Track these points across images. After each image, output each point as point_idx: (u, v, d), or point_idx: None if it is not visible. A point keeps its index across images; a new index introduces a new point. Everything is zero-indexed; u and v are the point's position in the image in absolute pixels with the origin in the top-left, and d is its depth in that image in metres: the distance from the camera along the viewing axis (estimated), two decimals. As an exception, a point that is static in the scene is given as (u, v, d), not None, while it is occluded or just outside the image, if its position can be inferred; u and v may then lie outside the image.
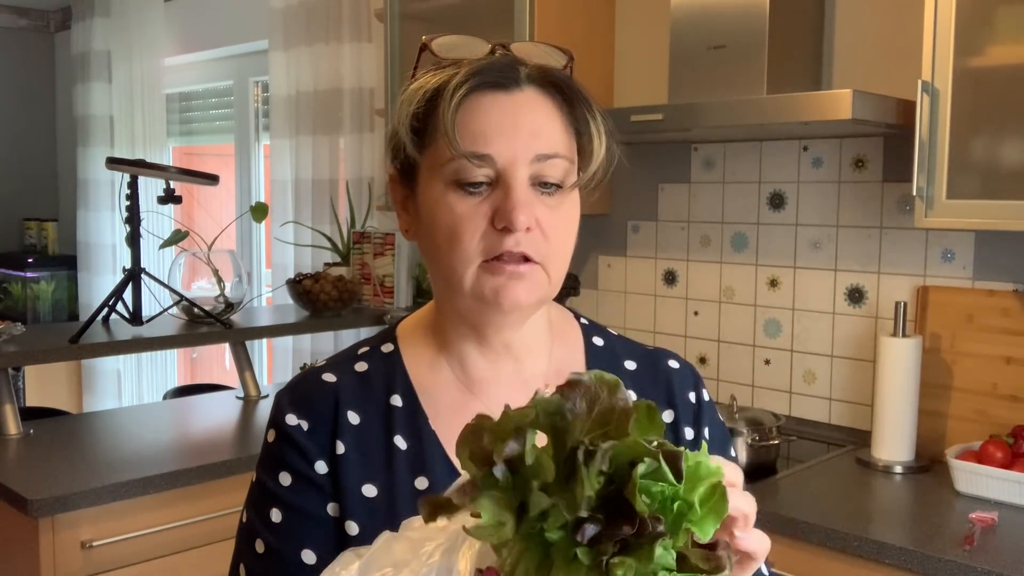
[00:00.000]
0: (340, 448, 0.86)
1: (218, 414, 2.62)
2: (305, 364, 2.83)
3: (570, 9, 2.57)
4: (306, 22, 3.39)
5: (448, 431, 0.89)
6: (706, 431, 0.98)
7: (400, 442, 0.88)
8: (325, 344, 3.37)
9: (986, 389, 2.04)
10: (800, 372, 2.39)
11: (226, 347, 2.92)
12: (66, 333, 2.44)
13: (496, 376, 0.92)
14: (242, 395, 2.72)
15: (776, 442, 2.08)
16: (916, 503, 1.86)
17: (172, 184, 2.65)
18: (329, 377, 0.89)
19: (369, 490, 0.86)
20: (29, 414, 2.67)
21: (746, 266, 2.49)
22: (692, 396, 1.00)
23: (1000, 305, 2.02)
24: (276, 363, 3.63)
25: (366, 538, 0.81)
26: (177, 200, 2.65)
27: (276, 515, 0.85)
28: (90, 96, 4.68)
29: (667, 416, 0.98)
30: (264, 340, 3.90)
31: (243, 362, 2.73)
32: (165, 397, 3.35)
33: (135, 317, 2.57)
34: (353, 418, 0.88)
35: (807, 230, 2.37)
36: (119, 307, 2.54)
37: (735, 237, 2.50)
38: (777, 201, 2.41)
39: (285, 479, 0.86)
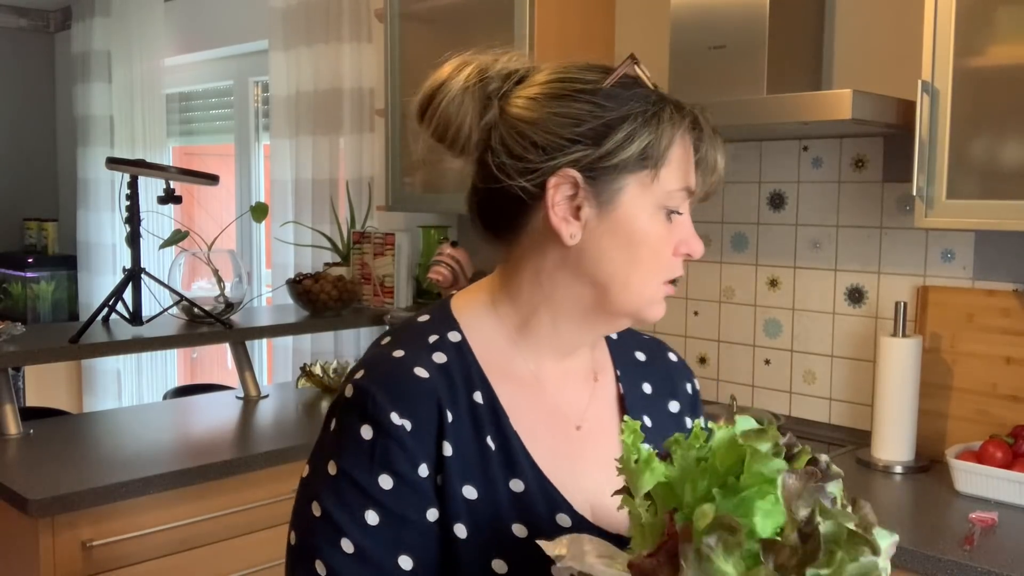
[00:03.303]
0: (447, 450, 0.86)
1: (218, 414, 2.62)
2: (305, 364, 2.83)
3: (570, 9, 2.57)
4: (306, 22, 3.39)
5: (528, 431, 0.91)
6: (701, 420, 1.06)
7: (490, 442, 0.89)
8: (325, 344, 3.37)
9: (986, 389, 2.04)
10: (800, 372, 2.39)
11: (226, 347, 2.92)
12: (66, 333, 2.44)
13: (558, 370, 0.96)
14: (242, 395, 2.72)
15: (776, 442, 2.07)
16: (916, 503, 1.86)
17: (172, 184, 2.65)
18: (422, 372, 0.87)
19: (470, 492, 0.86)
20: (29, 414, 2.67)
21: (746, 266, 2.49)
22: (689, 388, 1.09)
23: (1000, 305, 2.02)
24: (276, 363, 3.63)
25: (473, 542, 0.85)
26: (177, 200, 2.65)
27: (372, 517, 0.83)
28: (90, 96, 4.69)
29: (673, 407, 1.06)
30: (264, 340, 3.90)
31: (243, 362, 2.73)
32: (165, 397, 3.35)
33: (135, 317, 2.57)
34: (449, 417, 0.87)
35: (807, 230, 2.37)
36: (119, 307, 2.54)
37: (735, 237, 2.51)
38: (777, 201, 2.42)
39: (386, 482, 0.83)
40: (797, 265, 2.39)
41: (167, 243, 2.87)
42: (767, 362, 2.46)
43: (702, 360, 2.59)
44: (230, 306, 2.77)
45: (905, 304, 2.05)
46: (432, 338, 0.91)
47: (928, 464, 2.04)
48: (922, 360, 2.05)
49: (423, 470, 0.84)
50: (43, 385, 4.54)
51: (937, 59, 1.80)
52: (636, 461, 0.70)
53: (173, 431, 2.47)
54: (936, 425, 2.10)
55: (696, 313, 2.60)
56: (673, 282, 0.93)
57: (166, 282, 2.67)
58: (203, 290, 2.79)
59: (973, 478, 1.83)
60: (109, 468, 2.04)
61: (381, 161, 3.07)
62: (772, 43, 2.10)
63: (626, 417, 0.81)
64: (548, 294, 0.92)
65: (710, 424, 0.73)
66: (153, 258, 3.99)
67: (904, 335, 2.04)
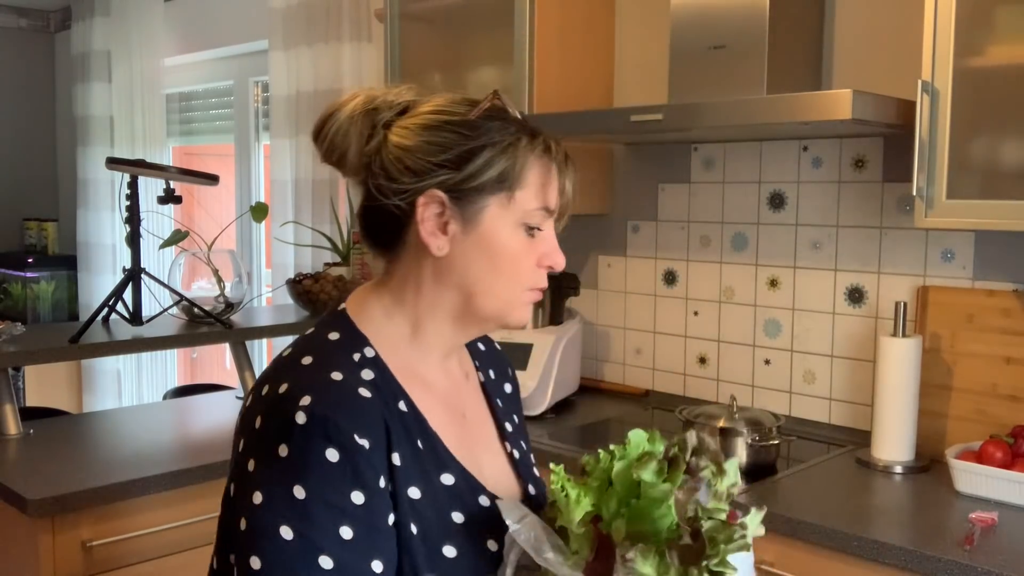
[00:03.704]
0: (396, 459, 0.95)
1: (218, 414, 2.62)
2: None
3: (570, 9, 2.57)
4: (306, 22, 3.39)
5: (440, 428, 1.03)
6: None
7: (420, 444, 0.99)
8: (325, 344, 3.36)
9: (986, 389, 2.04)
10: (800, 372, 2.39)
11: (226, 347, 2.92)
12: (66, 333, 2.44)
13: (442, 369, 1.09)
14: (242, 395, 2.72)
15: (776, 442, 2.07)
16: (916, 503, 1.86)
17: (172, 184, 2.65)
18: (365, 392, 0.95)
19: (414, 492, 0.96)
20: (29, 414, 2.67)
21: (746, 266, 2.49)
22: (510, 371, 1.26)
23: (1000, 305, 2.02)
24: (276, 363, 3.62)
25: (423, 535, 0.95)
26: (177, 200, 2.65)
27: (347, 532, 0.89)
28: (90, 96, 4.69)
29: (508, 388, 1.23)
30: (264, 340, 3.90)
31: (243, 362, 2.73)
32: (165, 397, 3.35)
33: (135, 317, 2.57)
34: (391, 430, 0.96)
35: (807, 230, 2.37)
36: (119, 307, 2.54)
37: (735, 237, 2.51)
38: (777, 201, 2.42)
39: (358, 497, 0.90)
40: (797, 265, 2.39)
41: (167, 243, 2.87)
42: (767, 362, 2.46)
43: (702, 360, 2.59)
44: (230, 306, 2.77)
45: (905, 304, 2.05)
46: (356, 356, 1.00)
47: (928, 464, 2.04)
48: (922, 360, 2.05)
49: (382, 481, 0.93)
50: (43, 385, 4.54)
51: (937, 59, 1.80)
52: (566, 498, 0.93)
53: (173, 431, 2.47)
54: (936, 425, 2.10)
55: (696, 313, 2.60)
56: (541, 290, 1.06)
57: (166, 282, 2.67)
58: (203, 290, 2.79)
59: (973, 478, 1.83)
60: (109, 468, 2.04)
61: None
62: (772, 43, 2.11)
63: (552, 464, 0.96)
64: (429, 301, 1.04)
65: (611, 448, 0.94)
66: (153, 258, 3.99)
67: (904, 335, 2.04)
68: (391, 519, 0.93)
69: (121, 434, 2.39)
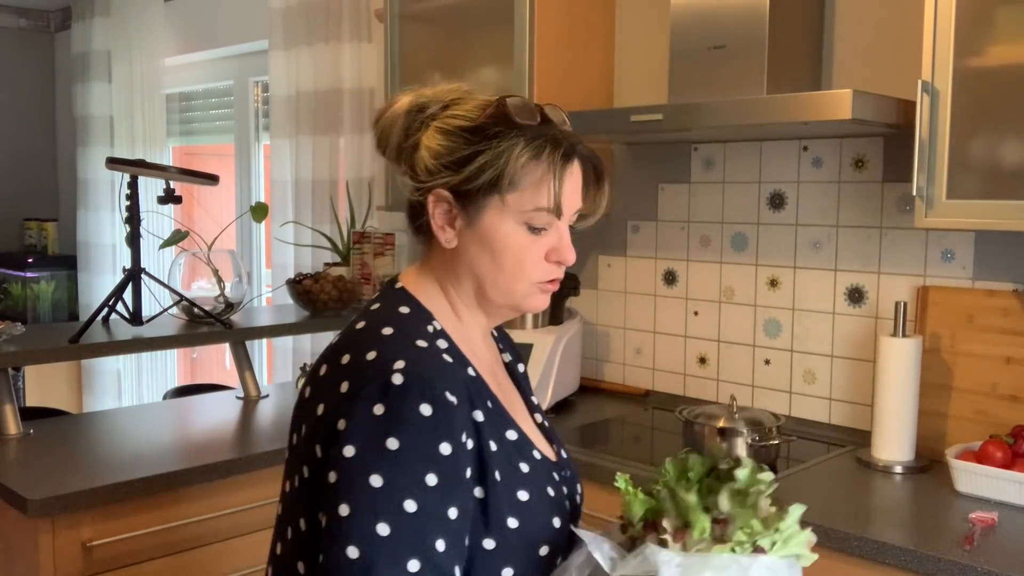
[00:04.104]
0: (479, 416, 1.05)
1: (218, 414, 2.62)
2: (305, 364, 2.83)
3: (570, 9, 2.57)
4: (306, 22, 3.39)
5: (497, 393, 1.13)
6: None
7: (489, 404, 1.09)
8: (325, 344, 3.35)
9: (986, 389, 2.04)
10: (800, 372, 2.39)
11: (226, 347, 2.92)
12: (66, 333, 2.44)
13: (486, 345, 1.20)
14: (242, 395, 2.72)
15: (776, 442, 2.07)
16: (916, 503, 1.86)
17: (172, 184, 2.65)
18: (447, 358, 1.06)
19: (492, 446, 1.05)
20: (29, 414, 2.67)
21: (746, 266, 2.49)
22: (521, 355, 1.37)
23: (1000, 305, 2.02)
24: (276, 363, 3.63)
25: (506, 484, 1.04)
26: (177, 200, 2.65)
27: (432, 479, 0.96)
28: (90, 96, 4.69)
29: (521, 368, 1.33)
30: (264, 340, 3.90)
31: (243, 362, 2.73)
32: (165, 397, 3.35)
33: (135, 317, 2.57)
34: (471, 390, 1.06)
35: (807, 230, 2.37)
36: (119, 307, 2.54)
37: (735, 237, 2.51)
38: (777, 201, 2.42)
39: (446, 448, 0.97)
40: (797, 265, 2.39)
41: (167, 243, 2.87)
42: (767, 362, 2.46)
43: (702, 360, 2.59)
44: (230, 306, 2.77)
45: (905, 304, 2.05)
46: (429, 327, 1.10)
47: (928, 464, 2.04)
48: (922, 360, 2.05)
49: (464, 436, 1.00)
50: (43, 385, 4.54)
51: (937, 59, 1.80)
52: (627, 496, 1.02)
53: (173, 431, 2.47)
54: (936, 425, 2.10)
55: (696, 313, 2.60)
56: (554, 282, 1.14)
57: (166, 282, 2.67)
58: (203, 290, 2.78)
59: (973, 478, 1.83)
60: (109, 468, 2.04)
61: (381, 161, 3.05)
62: (772, 43, 2.11)
63: (619, 474, 1.04)
64: (453, 285, 1.15)
65: (669, 462, 1.03)
66: (153, 258, 3.99)
67: (904, 335, 2.04)
68: (468, 472, 1.00)
69: (121, 434, 2.39)
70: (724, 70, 2.16)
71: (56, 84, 5.38)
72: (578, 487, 1.22)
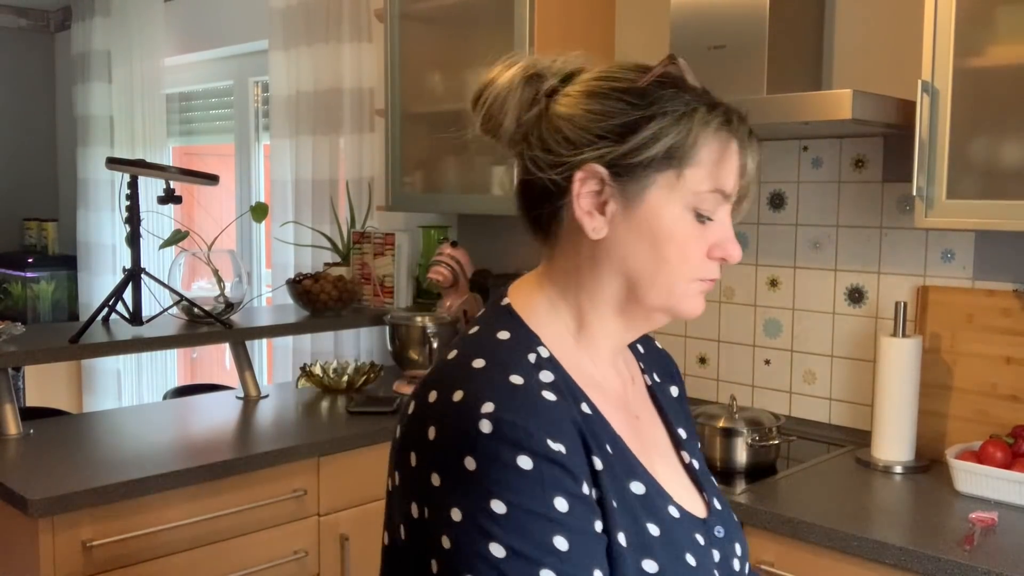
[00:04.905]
0: (598, 464, 0.87)
1: (218, 414, 2.62)
2: (305, 364, 2.83)
3: (570, 9, 2.57)
4: (306, 22, 3.38)
5: (622, 432, 0.94)
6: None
7: (609, 449, 0.90)
8: (325, 344, 3.37)
9: (986, 389, 2.04)
10: (800, 372, 2.39)
11: (226, 347, 2.92)
12: (66, 333, 2.44)
13: (612, 368, 1.00)
14: (242, 395, 2.72)
15: (776, 442, 2.07)
16: (916, 503, 1.86)
17: (172, 184, 2.65)
18: (550, 396, 0.86)
19: (612, 503, 0.87)
20: (29, 414, 2.67)
21: (746, 266, 2.49)
22: (675, 372, 1.18)
23: (1000, 305, 2.02)
24: (276, 363, 3.63)
25: (630, 547, 0.86)
26: (177, 200, 2.65)
27: (562, 543, 0.80)
28: (90, 96, 4.68)
29: (674, 391, 1.14)
30: (264, 340, 3.90)
31: (243, 362, 2.73)
32: (165, 397, 3.35)
33: (135, 317, 2.57)
34: (585, 433, 0.88)
35: (807, 230, 2.37)
36: (119, 307, 2.54)
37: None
38: (777, 201, 2.42)
39: (562, 504, 0.81)
40: (797, 265, 2.39)
41: (167, 243, 2.87)
42: (767, 362, 2.46)
43: (702, 360, 2.59)
44: (230, 306, 2.77)
45: (905, 304, 2.05)
46: (531, 357, 0.90)
47: (928, 464, 2.04)
48: (922, 360, 2.05)
49: (585, 487, 0.84)
50: (43, 385, 4.54)
51: (937, 59, 1.80)
52: None
53: (173, 431, 2.47)
54: (936, 425, 2.10)
55: (696, 313, 2.60)
56: (713, 281, 0.97)
57: (166, 282, 2.67)
58: (203, 290, 2.78)
59: (973, 478, 1.83)
60: (109, 468, 2.04)
61: (381, 161, 3.07)
62: (772, 43, 2.11)
63: None
64: (590, 291, 0.95)
65: None
66: (153, 258, 3.99)
67: (904, 335, 2.04)
68: (598, 526, 0.84)
69: (121, 434, 2.39)
70: (724, 70, 2.16)
71: (56, 84, 5.38)
72: (737, 548, 1.01)
